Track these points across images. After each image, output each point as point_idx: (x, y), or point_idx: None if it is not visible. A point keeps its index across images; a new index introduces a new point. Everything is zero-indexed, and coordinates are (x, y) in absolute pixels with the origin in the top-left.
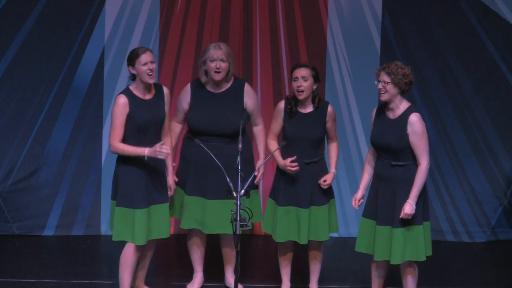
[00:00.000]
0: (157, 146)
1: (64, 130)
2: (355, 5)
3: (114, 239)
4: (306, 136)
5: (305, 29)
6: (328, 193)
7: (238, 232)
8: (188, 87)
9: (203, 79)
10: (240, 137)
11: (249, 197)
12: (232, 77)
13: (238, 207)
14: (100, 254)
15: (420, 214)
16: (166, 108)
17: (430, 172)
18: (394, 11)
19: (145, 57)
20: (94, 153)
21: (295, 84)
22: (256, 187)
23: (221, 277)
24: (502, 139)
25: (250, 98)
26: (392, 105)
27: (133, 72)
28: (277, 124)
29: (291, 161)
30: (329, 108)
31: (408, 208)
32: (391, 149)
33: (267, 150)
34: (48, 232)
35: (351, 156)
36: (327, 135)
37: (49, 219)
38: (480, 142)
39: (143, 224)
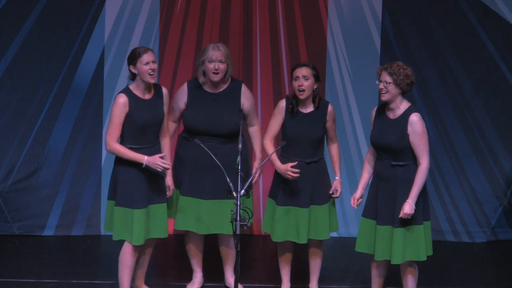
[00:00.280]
0: (157, 159)
1: (64, 130)
2: (355, 5)
3: (114, 238)
4: (307, 136)
5: (305, 29)
6: (327, 193)
7: (238, 232)
8: (185, 87)
9: (201, 79)
10: (240, 137)
11: (249, 197)
12: (229, 78)
13: (238, 207)
14: (100, 254)
15: (420, 214)
16: (165, 109)
17: (430, 172)
18: (394, 11)
19: (147, 57)
20: (94, 153)
21: (296, 84)
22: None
23: (221, 277)
24: (502, 139)
25: (246, 99)
26: (392, 105)
27: (134, 71)
28: (277, 123)
29: (292, 167)
30: (329, 108)
31: (408, 208)
32: (391, 149)
33: (263, 150)
34: (48, 232)
35: (351, 156)
36: (327, 136)
37: (49, 219)
38: (480, 142)
39: (141, 224)
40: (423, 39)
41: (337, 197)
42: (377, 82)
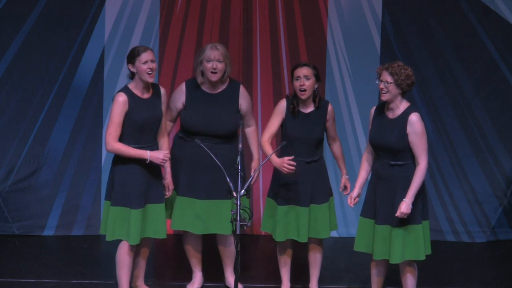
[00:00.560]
0: (160, 153)
1: (64, 130)
2: (355, 5)
3: (108, 239)
4: (308, 135)
5: (305, 29)
6: (328, 191)
7: (238, 232)
8: (183, 87)
9: (199, 79)
10: (241, 137)
11: (249, 197)
12: (228, 79)
13: (238, 207)
14: (100, 254)
15: (419, 214)
16: (163, 108)
17: (430, 172)
18: (394, 11)
19: (145, 56)
20: (94, 153)
21: (297, 84)
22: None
23: (221, 277)
24: (502, 139)
25: (244, 100)
26: (392, 105)
27: (133, 70)
28: (276, 123)
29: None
30: (329, 107)
31: (404, 207)
32: (390, 149)
33: (260, 150)
34: (48, 232)
35: (351, 156)
36: (328, 135)
37: (49, 219)
38: (480, 142)
39: (138, 224)
40: (423, 39)
41: (347, 194)
42: (377, 82)
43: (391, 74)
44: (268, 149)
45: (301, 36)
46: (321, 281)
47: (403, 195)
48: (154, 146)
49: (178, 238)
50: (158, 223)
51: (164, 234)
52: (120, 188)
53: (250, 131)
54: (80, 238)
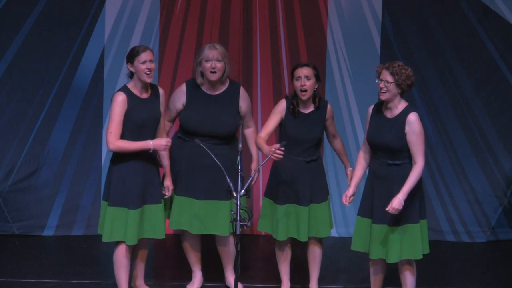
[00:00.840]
0: (163, 140)
1: (64, 130)
2: (355, 5)
3: (104, 240)
4: (308, 136)
5: (305, 29)
6: (326, 191)
7: (238, 232)
8: (183, 88)
9: (199, 80)
10: (241, 137)
11: (249, 197)
12: (228, 80)
13: (238, 207)
14: (100, 254)
15: (417, 213)
16: (162, 108)
17: (430, 172)
18: (394, 11)
19: (144, 56)
20: (94, 153)
21: (298, 84)
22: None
23: (221, 277)
24: (502, 139)
25: (244, 102)
26: (390, 105)
27: (132, 69)
28: (275, 122)
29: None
30: (328, 107)
31: (397, 202)
32: (389, 148)
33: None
34: (48, 232)
35: (351, 156)
36: (329, 133)
37: (49, 219)
38: (480, 142)
39: (135, 224)
40: (423, 39)
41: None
42: (376, 81)
43: (392, 74)
44: (263, 145)
45: (301, 36)
46: (321, 281)
47: None
48: None
49: (178, 238)
50: (157, 223)
51: (163, 234)
52: (118, 188)
53: (250, 132)
54: (80, 238)
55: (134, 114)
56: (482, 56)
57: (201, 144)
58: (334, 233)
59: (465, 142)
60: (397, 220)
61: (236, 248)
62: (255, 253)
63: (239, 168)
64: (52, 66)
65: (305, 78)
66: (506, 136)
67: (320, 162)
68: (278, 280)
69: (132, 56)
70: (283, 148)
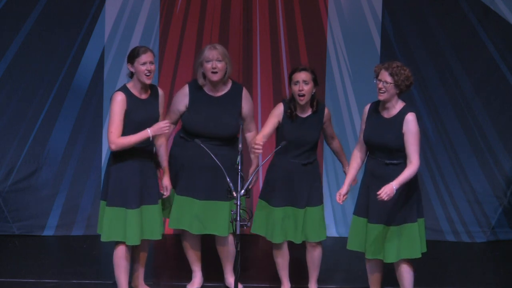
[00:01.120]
0: (160, 123)
1: (64, 130)
2: (355, 5)
3: (103, 239)
4: (305, 139)
5: (305, 29)
6: (321, 194)
7: (238, 232)
8: (186, 89)
9: (201, 81)
10: (241, 137)
11: (248, 197)
12: (230, 81)
13: (238, 207)
14: (100, 254)
15: (414, 212)
16: (161, 109)
17: (430, 172)
18: (394, 11)
19: (145, 57)
20: (94, 153)
21: (296, 88)
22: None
23: (221, 277)
24: (502, 139)
25: (246, 103)
26: (388, 105)
27: (132, 70)
28: (272, 126)
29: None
30: (326, 111)
31: (389, 188)
32: (387, 148)
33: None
34: (48, 232)
35: (351, 155)
36: (327, 134)
37: (49, 219)
38: (480, 142)
39: (135, 224)
40: (423, 39)
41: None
42: (375, 81)
43: (391, 74)
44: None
45: (301, 36)
46: (320, 281)
47: (397, 194)
48: (150, 147)
49: (178, 238)
50: (154, 224)
51: (160, 235)
52: (116, 188)
53: (251, 136)
54: (80, 238)
55: (132, 115)
56: (482, 56)
57: (201, 145)
58: (334, 233)
59: (465, 142)
60: (394, 219)
61: (236, 248)
62: (255, 253)
63: (239, 168)
64: (52, 66)
65: (303, 83)
66: (506, 136)
67: (316, 165)
68: (278, 280)
69: (132, 57)
70: (261, 142)
